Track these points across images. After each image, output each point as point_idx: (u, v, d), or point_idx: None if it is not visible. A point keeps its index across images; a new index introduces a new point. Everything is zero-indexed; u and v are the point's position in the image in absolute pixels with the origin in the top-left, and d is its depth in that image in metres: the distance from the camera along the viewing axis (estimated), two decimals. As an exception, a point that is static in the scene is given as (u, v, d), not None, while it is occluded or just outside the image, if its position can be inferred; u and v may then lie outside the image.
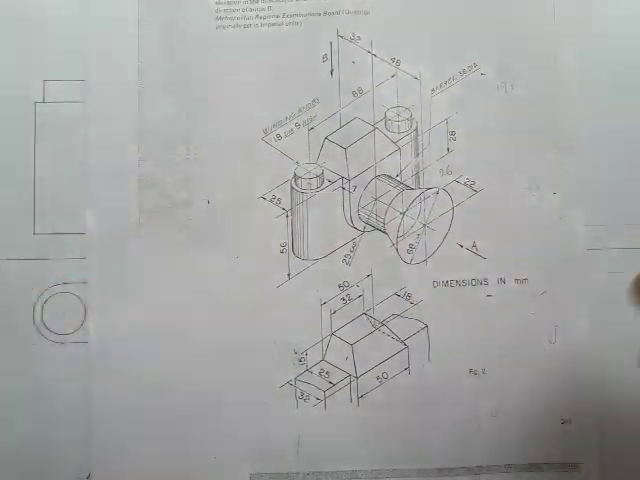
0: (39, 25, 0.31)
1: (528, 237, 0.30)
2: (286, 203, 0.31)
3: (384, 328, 0.30)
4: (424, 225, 0.31)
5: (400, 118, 0.31)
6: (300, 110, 0.31)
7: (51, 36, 0.31)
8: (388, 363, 0.30)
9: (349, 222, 0.31)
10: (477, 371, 0.30)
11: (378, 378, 0.30)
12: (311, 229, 0.31)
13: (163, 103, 0.31)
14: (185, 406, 0.30)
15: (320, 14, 0.31)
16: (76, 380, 0.30)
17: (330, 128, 0.31)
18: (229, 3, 0.31)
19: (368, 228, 0.31)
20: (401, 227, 0.31)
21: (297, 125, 0.31)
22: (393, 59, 0.31)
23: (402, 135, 0.31)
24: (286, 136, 0.31)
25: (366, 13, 0.31)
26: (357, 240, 0.31)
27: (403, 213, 0.30)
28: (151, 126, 0.31)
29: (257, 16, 0.31)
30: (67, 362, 0.30)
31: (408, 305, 0.30)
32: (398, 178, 0.31)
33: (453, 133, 0.31)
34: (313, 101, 0.31)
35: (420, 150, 0.31)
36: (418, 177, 0.31)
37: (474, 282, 0.30)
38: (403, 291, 0.30)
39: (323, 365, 0.30)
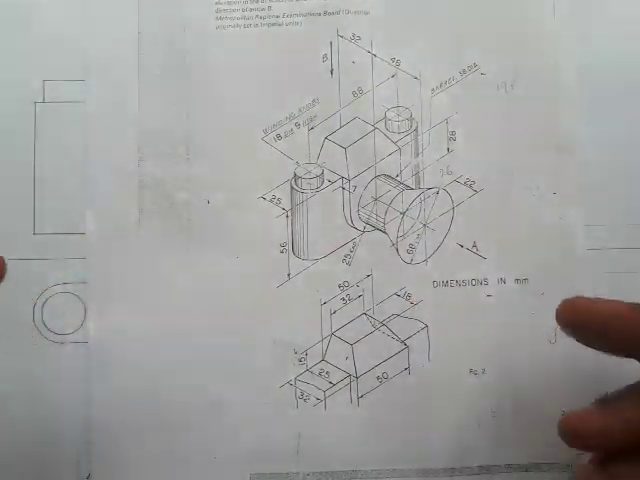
0: (39, 25, 0.31)
1: (528, 237, 0.30)
2: (286, 203, 0.31)
3: (384, 328, 0.30)
4: (424, 225, 0.31)
5: (400, 118, 0.31)
6: (300, 110, 0.31)
7: (51, 36, 0.31)
8: (388, 363, 0.30)
9: (349, 222, 0.31)
10: (477, 371, 0.30)
11: (378, 378, 0.30)
12: (311, 229, 0.31)
13: (163, 103, 0.31)
14: (185, 406, 0.30)
15: (320, 14, 0.31)
16: (76, 380, 0.30)
17: (330, 128, 0.31)
18: (229, 3, 0.31)
19: (368, 228, 0.31)
20: (401, 227, 0.31)
21: (297, 125, 0.31)
22: (393, 59, 0.31)
23: (402, 135, 0.31)
24: (286, 136, 0.31)
25: (366, 13, 0.31)
26: (357, 240, 0.31)
27: (403, 213, 0.30)
28: (151, 126, 0.31)
29: (257, 16, 0.31)
30: (67, 362, 0.30)
31: (408, 305, 0.30)
32: (398, 178, 0.31)
33: (453, 133, 0.31)
34: (313, 101, 0.31)
35: (420, 150, 0.31)
36: (418, 177, 0.31)
37: (474, 282, 0.30)
38: (403, 291, 0.30)
39: (323, 365, 0.30)
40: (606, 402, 0.22)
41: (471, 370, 0.30)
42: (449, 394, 0.30)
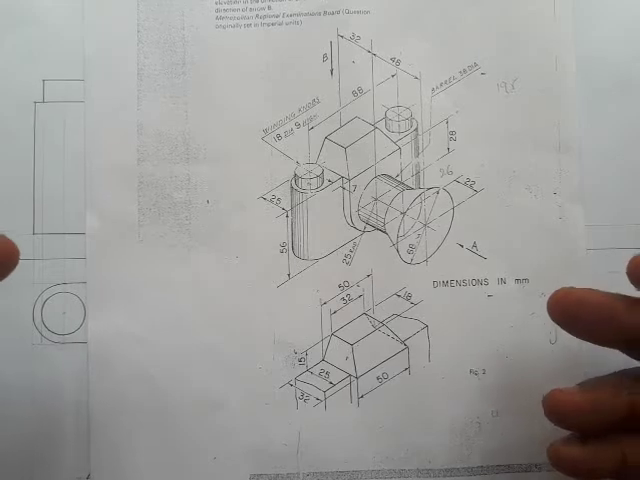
0: (39, 25, 0.31)
1: (528, 237, 0.30)
2: (286, 203, 0.31)
3: (384, 328, 0.30)
4: (424, 225, 0.31)
5: (400, 118, 0.31)
6: (300, 110, 0.31)
7: (51, 36, 0.31)
8: (388, 363, 0.30)
9: (349, 222, 0.31)
10: (477, 371, 0.30)
11: (378, 378, 0.30)
12: (311, 229, 0.31)
13: (163, 103, 0.31)
14: (185, 406, 0.30)
15: (320, 14, 0.31)
16: (76, 380, 0.30)
17: (330, 128, 0.31)
18: (229, 3, 0.31)
19: (368, 228, 0.31)
20: (401, 227, 0.31)
21: (297, 125, 0.31)
22: (393, 59, 0.31)
23: (402, 135, 0.31)
24: (286, 136, 0.31)
25: (366, 13, 0.31)
26: (357, 240, 0.31)
27: (403, 213, 0.30)
28: (151, 126, 0.31)
29: (257, 16, 0.31)
30: (67, 362, 0.30)
31: (408, 305, 0.30)
32: (398, 178, 0.31)
33: (453, 133, 0.31)
34: (313, 101, 0.31)
35: (420, 150, 0.31)
36: (418, 177, 0.31)
37: (474, 282, 0.30)
38: (403, 291, 0.30)
39: (323, 365, 0.30)
40: (586, 384, 0.25)
41: (471, 370, 0.30)
42: (449, 394, 0.30)
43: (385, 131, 0.31)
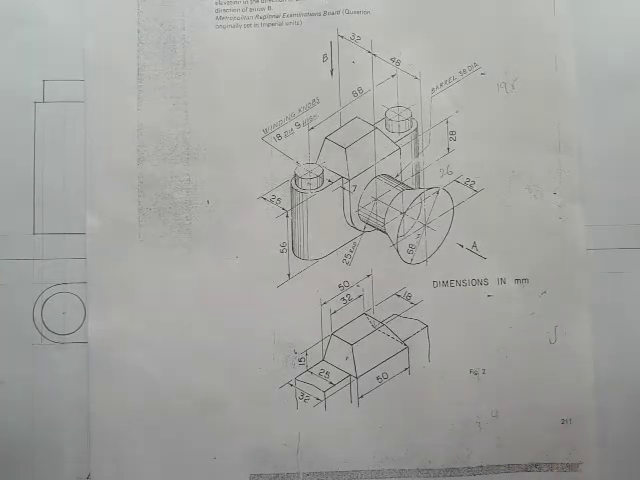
0: (39, 25, 0.31)
1: (528, 237, 0.30)
2: (286, 203, 0.31)
3: (384, 328, 0.30)
4: (424, 225, 0.31)
5: (400, 118, 0.31)
6: (300, 110, 0.31)
7: (51, 36, 0.31)
8: (388, 363, 0.30)
9: (349, 222, 0.31)
10: (477, 371, 0.30)
11: (378, 378, 0.30)
12: (311, 229, 0.31)
13: (163, 103, 0.31)
14: (185, 406, 0.30)
15: (320, 14, 0.31)
16: (76, 380, 0.30)
17: (330, 128, 0.31)
18: (229, 3, 0.31)
19: (368, 228, 0.31)
20: (401, 227, 0.31)
21: (297, 125, 0.31)
22: (393, 59, 0.31)
23: (402, 135, 0.31)
24: (286, 136, 0.31)
25: (366, 13, 0.31)
26: (357, 240, 0.31)
27: (403, 213, 0.30)
28: (151, 126, 0.31)
29: (257, 16, 0.31)
30: (67, 362, 0.30)
31: (408, 305, 0.30)
32: (398, 178, 0.31)
33: (453, 133, 0.31)
34: (313, 101, 0.31)
35: (420, 150, 0.31)
36: (418, 177, 0.31)
37: (474, 282, 0.30)
38: (403, 291, 0.30)
39: (323, 365, 0.30)
40: None
41: (471, 370, 0.30)
42: (449, 394, 0.30)
43: (385, 131, 0.31)
